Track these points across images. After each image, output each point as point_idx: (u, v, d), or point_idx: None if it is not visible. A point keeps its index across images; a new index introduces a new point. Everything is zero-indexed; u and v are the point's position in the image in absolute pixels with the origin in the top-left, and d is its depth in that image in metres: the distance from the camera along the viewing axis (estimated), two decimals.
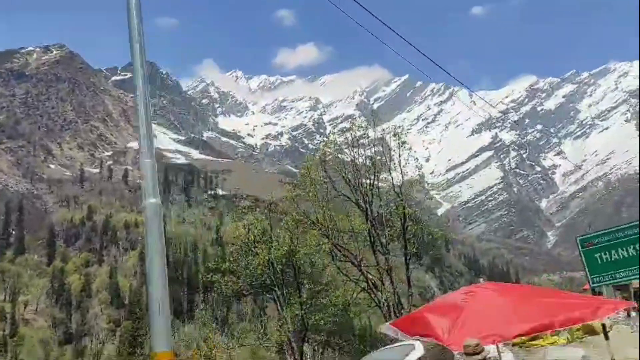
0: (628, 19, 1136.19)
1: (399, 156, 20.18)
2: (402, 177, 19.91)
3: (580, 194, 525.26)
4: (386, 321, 17.95)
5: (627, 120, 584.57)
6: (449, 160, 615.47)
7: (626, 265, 11.05)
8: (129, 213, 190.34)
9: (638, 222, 11.38)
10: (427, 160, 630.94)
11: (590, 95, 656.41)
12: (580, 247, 12.01)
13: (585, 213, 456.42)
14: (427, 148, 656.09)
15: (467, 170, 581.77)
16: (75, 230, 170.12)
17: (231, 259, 21.25)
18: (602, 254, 11.44)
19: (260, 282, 20.21)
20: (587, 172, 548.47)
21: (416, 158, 19.85)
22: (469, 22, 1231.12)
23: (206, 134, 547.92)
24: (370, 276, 18.48)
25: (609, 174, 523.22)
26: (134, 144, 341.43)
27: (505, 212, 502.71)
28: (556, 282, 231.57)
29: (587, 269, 11.84)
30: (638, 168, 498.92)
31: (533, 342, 12.74)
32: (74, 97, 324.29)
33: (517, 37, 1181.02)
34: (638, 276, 10.84)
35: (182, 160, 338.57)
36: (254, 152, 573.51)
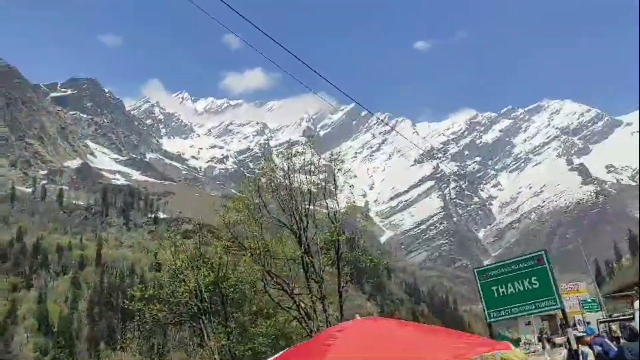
0: (560, 60, 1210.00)
1: (334, 182, 20.27)
2: (338, 204, 19.99)
3: (515, 224, 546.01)
4: None
5: (558, 156, 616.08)
6: (393, 188, 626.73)
7: (521, 300, 10.40)
8: (62, 235, 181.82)
9: (534, 255, 10.71)
10: (371, 188, 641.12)
11: (525, 131, 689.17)
12: (477, 279, 11.25)
13: (519, 243, 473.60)
14: (372, 176, 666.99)
15: (410, 199, 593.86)
16: (3, 252, 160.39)
17: (156, 285, 20.43)
18: (499, 287, 10.71)
19: (186, 310, 19.53)
20: (522, 204, 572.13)
21: (351, 185, 19.90)
22: (413, 57, 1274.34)
23: (149, 155, 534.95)
24: (303, 305, 18.26)
25: (541, 207, 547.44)
26: (70, 163, 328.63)
27: (445, 241, 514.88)
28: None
29: (483, 303, 10.97)
30: (593, 194, 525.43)
31: None
32: (8, 113, 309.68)
33: (459, 72, 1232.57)
34: (533, 311, 10.21)
35: (122, 181, 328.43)
36: (198, 175, 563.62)
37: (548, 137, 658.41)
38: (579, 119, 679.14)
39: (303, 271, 18.49)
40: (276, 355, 6.25)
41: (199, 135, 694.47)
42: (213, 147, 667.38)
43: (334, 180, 20.48)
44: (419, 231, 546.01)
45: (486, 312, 10.87)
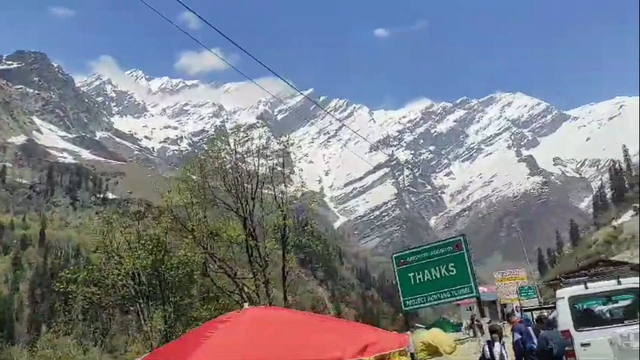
0: (514, 53, 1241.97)
1: (283, 166, 19.84)
2: (285, 187, 19.59)
3: (465, 213, 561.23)
4: None
5: (508, 147, 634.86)
6: (348, 174, 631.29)
7: (438, 287, 9.98)
8: (4, 214, 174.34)
9: (452, 240, 10.34)
10: (327, 174, 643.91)
11: (478, 122, 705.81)
12: (394, 265, 10.75)
13: (468, 231, 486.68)
14: (328, 162, 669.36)
15: (364, 185, 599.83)
16: None
17: (92, 268, 19.55)
18: (416, 273, 10.26)
19: (123, 293, 18.79)
20: (472, 193, 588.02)
21: (301, 169, 19.50)
22: (373, 43, 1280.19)
23: (99, 134, 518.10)
24: (246, 289, 17.85)
25: (491, 196, 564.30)
26: (15, 139, 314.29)
27: (398, 228, 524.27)
28: None
29: (400, 290, 10.53)
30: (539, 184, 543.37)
31: None
32: None
33: (417, 61, 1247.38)
34: (449, 299, 9.86)
35: (69, 159, 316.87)
36: (150, 156, 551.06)
37: (499, 129, 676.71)
38: (529, 111, 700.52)
39: (247, 255, 18.04)
40: (146, 355, 5.71)
41: (152, 115, 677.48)
42: (167, 127, 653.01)
43: (283, 164, 20.01)
44: (372, 217, 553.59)
45: (402, 299, 10.47)
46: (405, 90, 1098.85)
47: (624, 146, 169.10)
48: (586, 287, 10.50)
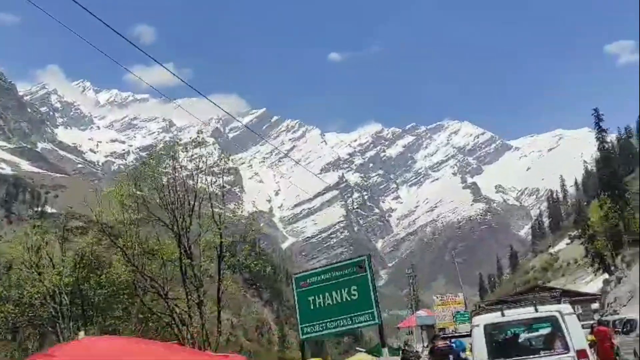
0: (461, 82, 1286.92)
1: (223, 185, 19.50)
2: (224, 205, 19.22)
3: (411, 237, 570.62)
4: None
5: (454, 173, 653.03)
6: (297, 195, 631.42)
7: (338, 313, 8.72)
8: None
9: (355, 261, 9.27)
10: (277, 194, 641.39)
11: (426, 148, 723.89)
12: (294, 287, 9.53)
13: (413, 255, 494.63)
14: (278, 182, 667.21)
15: (314, 207, 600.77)
16: None
17: (9, 284, 18.41)
18: (316, 297, 8.98)
19: (39, 313, 17.73)
20: (418, 217, 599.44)
21: (241, 186, 19.07)
22: (326, 67, 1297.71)
23: (41, 145, 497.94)
24: (178, 310, 17.23)
25: (436, 220, 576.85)
26: None
27: (345, 250, 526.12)
28: (384, 318, 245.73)
29: (297, 316, 9.26)
30: (481, 209, 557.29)
31: None
32: None
33: (369, 86, 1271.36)
34: (349, 326, 8.66)
35: (7, 170, 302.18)
36: (94, 170, 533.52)
37: (446, 156, 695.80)
38: (474, 140, 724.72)
39: (181, 274, 17.46)
40: None
41: (99, 128, 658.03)
42: (114, 141, 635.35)
43: (222, 181, 19.65)
44: (320, 239, 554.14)
45: (300, 326, 9.17)
46: (356, 113, 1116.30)
47: (561, 177, 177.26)
48: (503, 315, 9.69)
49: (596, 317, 47.78)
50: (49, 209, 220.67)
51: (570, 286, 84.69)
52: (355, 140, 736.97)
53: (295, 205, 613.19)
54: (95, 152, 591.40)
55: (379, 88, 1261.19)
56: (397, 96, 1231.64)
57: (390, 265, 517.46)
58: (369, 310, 8.52)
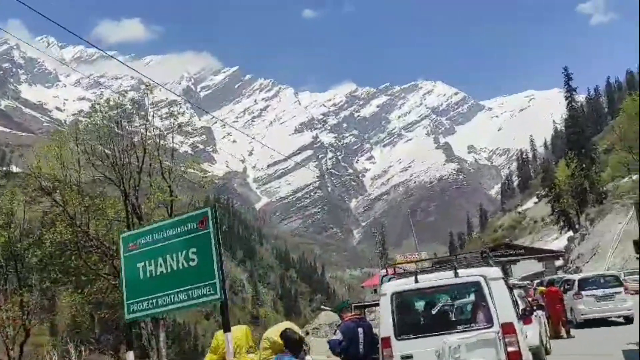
0: (436, 43, 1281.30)
1: (172, 138, 18.43)
2: (172, 159, 18.18)
3: (384, 196, 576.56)
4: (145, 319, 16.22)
5: (427, 134, 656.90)
6: (271, 156, 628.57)
7: (173, 285, 6.22)
8: None
9: (197, 214, 6.39)
10: (251, 154, 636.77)
11: (400, 108, 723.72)
12: (122, 250, 6.81)
13: (386, 214, 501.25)
14: (251, 142, 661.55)
15: (288, 167, 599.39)
16: None
17: None
18: (147, 263, 6.43)
19: None
20: (392, 177, 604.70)
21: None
22: (300, 24, 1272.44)
23: (4, 103, 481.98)
24: None
25: (409, 180, 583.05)
26: None
27: (319, 210, 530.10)
28: (356, 276, 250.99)
29: (123, 288, 6.64)
30: (437, 176, 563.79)
31: None
32: None
33: (343, 44, 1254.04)
34: (185, 304, 6.12)
35: None
36: (61, 129, 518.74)
37: (420, 116, 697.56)
38: (447, 100, 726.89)
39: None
40: None
41: (65, 86, 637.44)
42: (81, 99, 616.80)
43: (172, 135, 18.57)
44: (294, 199, 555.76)
45: (125, 303, 6.55)
46: (330, 72, 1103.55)
47: (531, 137, 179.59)
48: (417, 281, 7.90)
49: (560, 273, 48.83)
50: (14, 168, 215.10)
51: (537, 244, 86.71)
52: (329, 100, 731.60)
53: (269, 166, 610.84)
54: (61, 111, 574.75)
55: (353, 47, 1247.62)
56: (372, 55, 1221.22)
57: (363, 224, 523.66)
58: (210, 281, 6.01)
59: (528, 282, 32.86)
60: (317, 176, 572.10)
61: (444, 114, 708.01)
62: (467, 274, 7.82)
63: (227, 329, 5.94)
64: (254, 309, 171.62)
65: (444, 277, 7.94)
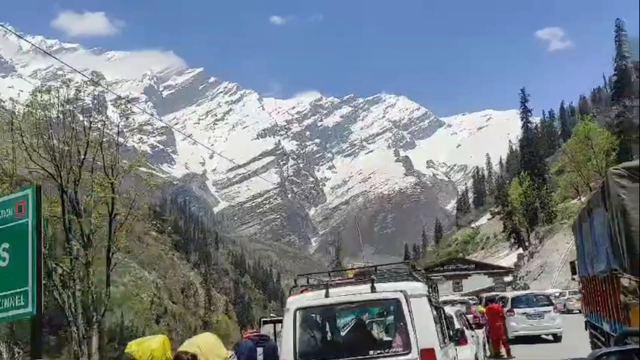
0: (402, 54, 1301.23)
1: (118, 133, 17.68)
2: (117, 159, 17.43)
3: (343, 206, 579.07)
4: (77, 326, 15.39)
5: (388, 147, 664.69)
6: (232, 160, 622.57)
7: None
8: None
9: (14, 197, 5.12)
10: (211, 157, 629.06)
11: (363, 120, 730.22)
12: None
13: (345, 224, 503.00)
14: (213, 145, 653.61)
15: (248, 172, 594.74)
16: None
17: None
18: None
19: None
20: (351, 187, 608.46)
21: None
22: (267, 30, 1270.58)
23: None
24: (61, 270, 15.49)
25: (368, 192, 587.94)
26: None
27: (277, 217, 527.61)
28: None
29: None
30: (398, 188, 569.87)
31: None
32: None
33: (310, 52, 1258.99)
34: None
35: None
36: (15, 121, 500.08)
37: (382, 128, 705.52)
38: (409, 115, 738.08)
39: (65, 231, 15.65)
40: None
41: (20, 76, 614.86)
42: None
43: (118, 130, 17.82)
44: (253, 204, 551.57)
45: None
46: (296, 80, 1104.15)
47: (488, 155, 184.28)
48: (327, 295, 6.62)
49: (509, 289, 49.76)
50: None
51: (488, 259, 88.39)
52: (294, 108, 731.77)
53: (230, 170, 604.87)
54: (16, 102, 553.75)
55: (319, 55, 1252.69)
56: (338, 65, 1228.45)
57: (321, 233, 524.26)
58: (22, 289, 4.52)
59: (471, 297, 32.78)
60: (277, 183, 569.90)
61: (406, 127, 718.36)
62: (386, 289, 6.66)
63: (36, 356, 4.55)
64: (206, 314, 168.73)
65: (358, 292, 6.74)
